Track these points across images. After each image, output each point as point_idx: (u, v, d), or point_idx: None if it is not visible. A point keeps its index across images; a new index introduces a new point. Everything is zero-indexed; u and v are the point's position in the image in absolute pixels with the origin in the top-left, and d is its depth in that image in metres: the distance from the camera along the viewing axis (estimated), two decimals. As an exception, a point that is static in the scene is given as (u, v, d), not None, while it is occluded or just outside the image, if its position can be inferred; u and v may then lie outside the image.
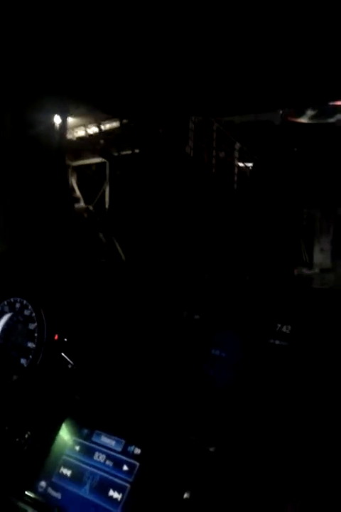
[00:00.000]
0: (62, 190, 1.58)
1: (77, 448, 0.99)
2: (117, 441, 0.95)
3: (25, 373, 1.16)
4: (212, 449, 0.86)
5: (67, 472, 0.97)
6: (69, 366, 1.16)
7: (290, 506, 0.73)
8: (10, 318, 1.25)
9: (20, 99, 1.33)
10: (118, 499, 0.89)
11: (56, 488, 0.96)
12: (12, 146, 1.41)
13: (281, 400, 0.89)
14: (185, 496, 0.82)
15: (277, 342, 0.95)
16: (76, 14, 0.97)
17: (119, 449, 0.95)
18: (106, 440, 0.97)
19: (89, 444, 0.98)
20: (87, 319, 1.24)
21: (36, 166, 1.45)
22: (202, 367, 1.01)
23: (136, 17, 0.96)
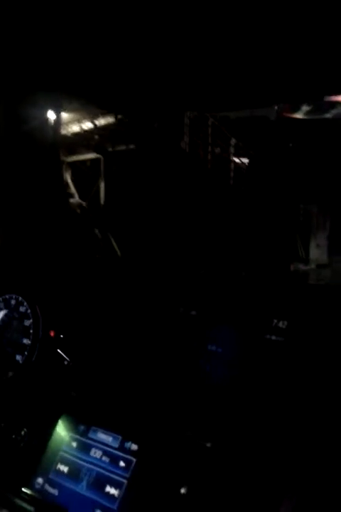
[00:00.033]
0: (56, 186, 1.57)
1: (74, 444, 0.98)
2: (114, 438, 0.95)
3: (21, 370, 1.16)
4: (208, 445, 0.86)
5: (64, 468, 0.97)
6: (66, 362, 1.16)
7: (287, 501, 0.74)
8: (5, 315, 1.25)
9: (13, 95, 1.33)
10: (116, 495, 0.89)
11: (53, 484, 0.96)
12: (5, 142, 1.40)
13: (277, 395, 0.89)
14: (182, 491, 0.82)
15: (273, 337, 0.95)
16: (70, 8, 0.96)
17: (116, 445, 0.95)
18: (102, 436, 0.97)
19: (85, 440, 0.98)
20: (83, 315, 1.23)
21: (30, 161, 1.44)
22: (198, 363, 1.01)
23: (131, 11, 0.95)
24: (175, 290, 1.14)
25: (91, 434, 0.98)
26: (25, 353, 1.17)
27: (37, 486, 0.96)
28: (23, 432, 1.04)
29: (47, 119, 1.52)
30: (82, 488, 0.93)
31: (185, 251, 1.42)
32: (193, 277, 1.18)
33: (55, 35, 1.06)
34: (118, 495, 0.89)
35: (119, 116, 1.58)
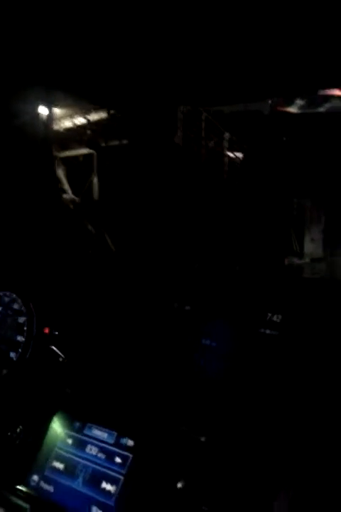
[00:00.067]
0: (49, 182, 1.57)
1: (69, 441, 0.98)
2: (109, 434, 0.95)
3: (15, 367, 1.16)
4: (203, 439, 0.86)
5: (60, 465, 0.96)
6: (60, 359, 1.15)
7: (283, 494, 0.74)
8: (-1, 312, 1.24)
9: (4, 90, 1.31)
10: (112, 491, 0.89)
11: (49, 481, 0.95)
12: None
13: (272, 388, 0.89)
14: (179, 485, 0.82)
15: (268, 331, 0.95)
16: (61, 3, 0.95)
17: (112, 441, 0.94)
18: (98, 433, 0.97)
19: (81, 436, 0.98)
20: (78, 312, 1.23)
21: (22, 157, 1.43)
22: (192, 357, 1.01)
23: (122, 5, 0.94)
24: (169, 285, 1.14)
25: (86, 431, 0.98)
26: (20, 350, 1.17)
27: (32, 484, 0.96)
28: (18, 430, 1.03)
29: (38, 115, 1.51)
30: (78, 485, 0.93)
31: (179, 246, 1.41)
32: (187, 272, 1.18)
33: (47, 30, 1.05)
34: (115, 491, 0.88)
35: (112, 112, 1.57)
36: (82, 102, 1.61)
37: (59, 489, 0.94)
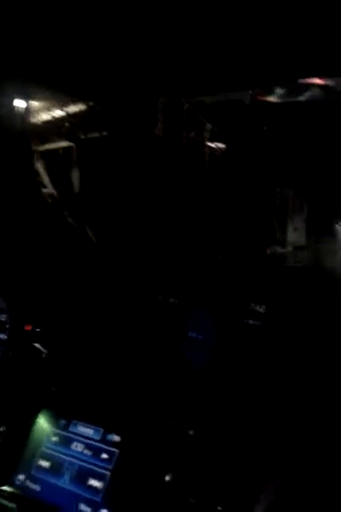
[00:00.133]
0: (27, 176, 1.54)
1: (55, 439, 0.97)
2: (95, 430, 0.95)
3: (-2, 366, 1.14)
4: (191, 432, 0.86)
5: (46, 464, 0.96)
6: (43, 356, 1.14)
7: (270, 485, 0.74)
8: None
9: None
10: (99, 487, 0.88)
11: (35, 480, 0.95)
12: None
13: (257, 379, 0.89)
14: (166, 478, 0.82)
15: (251, 322, 0.95)
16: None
17: (98, 437, 0.94)
18: (83, 429, 0.96)
19: (66, 434, 0.97)
20: (60, 307, 1.22)
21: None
22: (178, 350, 1.01)
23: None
24: (152, 277, 1.13)
25: (71, 428, 0.97)
26: (2, 348, 1.15)
27: (18, 483, 0.95)
28: (1, 429, 1.02)
29: (15, 108, 1.48)
30: (64, 483, 0.92)
31: (161, 237, 1.41)
32: (170, 263, 1.17)
33: (21, 22, 1.03)
34: (102, 487, 0.88)
35: (91, 104, 1.55)
36: (59, 94, 1.58)
37: (46, 488, 0.93)
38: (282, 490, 0.75)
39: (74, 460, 0.93)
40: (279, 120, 1.39)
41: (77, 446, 0.95)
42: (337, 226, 1.31)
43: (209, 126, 1.56)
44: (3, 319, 1.19)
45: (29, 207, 1.47)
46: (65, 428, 0.98)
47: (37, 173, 1.62)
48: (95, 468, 0.91)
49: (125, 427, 0.92)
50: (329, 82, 1.20)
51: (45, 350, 1.15)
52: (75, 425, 0.97)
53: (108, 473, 0.89)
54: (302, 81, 1.24)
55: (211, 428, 0.86)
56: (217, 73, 1.24)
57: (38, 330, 1.19)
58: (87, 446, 0.94)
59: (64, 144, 1.72)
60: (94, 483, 0.89)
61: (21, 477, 0.96)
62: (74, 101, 1.58)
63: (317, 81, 1.22)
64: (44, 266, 1.34)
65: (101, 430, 0.94)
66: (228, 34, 1.04)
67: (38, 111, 1.67)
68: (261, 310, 0.96)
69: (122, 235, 1.49)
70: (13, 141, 1.45)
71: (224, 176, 1.48)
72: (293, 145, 1.38)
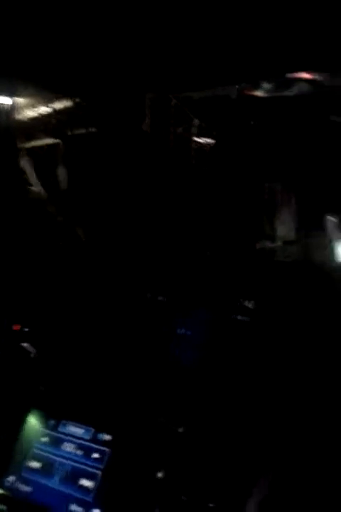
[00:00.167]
0: (13, 174, 1.52)
1: (45, 439, 0.97)
2: (86, 430, 0.94)
3: (-14, 367, 1.13)
4: (181, 430, 0.86)
5: (36, 465, 0.95)
6: (32, 356, 1.13)
7: (263, 480, 0.74)
8: (-34, 311, 1.21)
9: None
10: (90, 487, 0.88)
11: (26, 481, 0.94)
12: None
13: (247, 375, 0.89)
14: (159, 475, 0.82)
15: (240, 318, 0.95)
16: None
17: (88, 437, 0.94)
18: (74, 429, 0.96)
19: (56, 434, 0.96)
20: (49, 306, 1.21)
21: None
22: (167, 347, 1.00)
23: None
24: (141, 275, 1.12)
25: (61, 428, 0.97)
26: (-10, 349, 1.14)
27: (8, 485, 0.94)
28: (-10, 431, 1.01)
29: (0, 105, 1.46)
30: (55, 483, 0.91)
31: (149, 233, 1.40)
32: (159, 260, 1.17)
33: (4, 18, 1.01)
34: (93, 487, 0.88)
35: (77, 100, 1.53)
36: (45, 91, 1.56)
37: (36, 489, 0.93)
38: (274, 485, 0.75)
39: (64, 460, 0.93)
40: (266, 115, 1.39)
41: (68, 447, 0.94)
42: (326, 219, 1.31)
43: (196, 121, 1.56)
44: (-9, 319, 1.17)
45: (16, 205, 1.46)
46: (55, 428, 0.97)
47: (23, 171, 1.60)
48: (86, 468, 0.90)
49: (116, 426, 0.92)
50: (317, 77, 1.20)
51: (33, 350, 1.14)
52: (65, 425, 0.97)
53: (99, 472, 0.89)
54: (289, 75, 1.23)
55: (201, 424, 0.86)
56: (204, 68, 1.24)
57: (27, 329, 1.18)
58: (78, 446, 0.93)
59: (50, 140, 1.70)
60: (85, 483, 0.89)
61: (11, 479, 0.95)
62: (60, 97, 1.56)
63: (305, 75, 1.22)
64: (32, 265, 1.32)
65: (92, 430, 0.94)
66: (215, 29, 1.04)
67: (24, 108, 1.65)
68: (250, 305, 0.96)
69: (111, 233, 1.48)
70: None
71: (212, 171, 1.48)
72: (280, 139, 1.38)
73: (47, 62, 1.23)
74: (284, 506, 0.74)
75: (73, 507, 0.87)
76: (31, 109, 1.71)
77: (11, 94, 1.45)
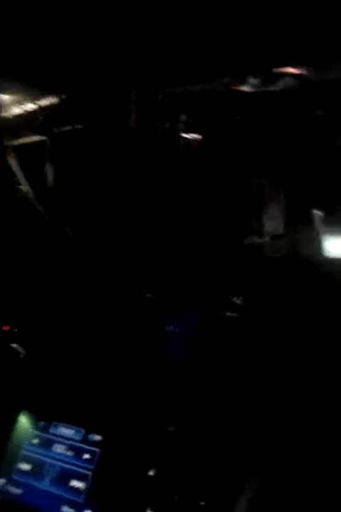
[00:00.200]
0: (0, 172, 1.51)
1: (35, 441, 0.96)
2: (76, 431, 0.94)
3: (-26, 369, 1.12)
4: (171, 429, 0.86)
5: (27, 467, 0.94)
6: (22, 356, 1.12)
7: (254, 476, 0.75)
8: None
9: None
10: (81, 488, 0.87)
11: (16, 484, 0.94)
12: None
13: (235, 371, 0.89)
14: (149, 475, 0.82)
15: (229, 314, 0.95)
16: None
17: (79, 437, 0.93)
18: (64, 430, 0.95)
19: (47, 436, 0.96)
20: (38, 306, 1.20)
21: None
22: (156, 345, 1.00)
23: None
24: (129, 272, 1.12)
25: (52, 430, 0.96)
26: (-22, 350, 1.13)
27: None
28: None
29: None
30: (45, 485, 0.91)
31: (137, 230, 1.40)
32: (147, 256, 1.16)
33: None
34: (84, 487, 0.87)
35: (63, 97, 1.51)
36: (31, 88, 1.54)
37: (27, 491, 0.92)
38: (266, 482, 0.75)
39: (55, 462, 0.92)
40: (253, 109, 1.39)
41: (58, 448, 0.93)
42: (313, 213, 1.32)
43: (183, 117, 1.55)
44: (-22, 321, 1.16)
45: (3, 203, 1.44)
46: (45, 430, 0.96)
47: (10, 169, 1.58)
48: (77, 469, 0.90)
49: (106, 426, 0.92)
50: (303, 71, 1.20)
51: (23, 351, 1.13)
52: (56, 426, 0.96)
53: (90, 473, 0.88)
54: (276, 70, 1.23)
55: (191, 422, 0.86)
56: (190, 63, 1.23)
57: (16, 330, 1.17)
58: (68, 447, 0.93)
59: (37, 138, 1.68)
60: (76, 484, 0.88)
61: (1, 481, 0.94)
62: (46, 94, 1.54)
63: (291, 70, 1.22)
64: (20, 264, 1.31)
65: (83, 430, 0.93)
66: (200, 24, 1.03)
67: (9, 105, 1.63)
68: (239, 302, 0.95)
69: (99, 230, 1.47)
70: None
71: (200, 167, 1.47)
72: (267, 134, 1.38)
73: (33, 58, 1.21)
74: (276, 503, 0.75)
75: (64, 508, 0.87)
76: (17, 107, 1.69)
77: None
